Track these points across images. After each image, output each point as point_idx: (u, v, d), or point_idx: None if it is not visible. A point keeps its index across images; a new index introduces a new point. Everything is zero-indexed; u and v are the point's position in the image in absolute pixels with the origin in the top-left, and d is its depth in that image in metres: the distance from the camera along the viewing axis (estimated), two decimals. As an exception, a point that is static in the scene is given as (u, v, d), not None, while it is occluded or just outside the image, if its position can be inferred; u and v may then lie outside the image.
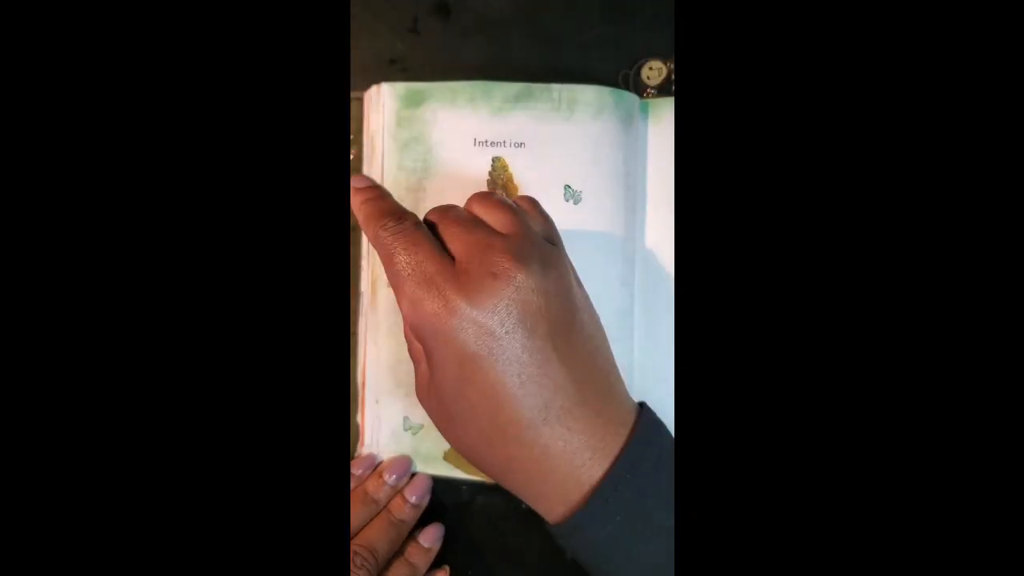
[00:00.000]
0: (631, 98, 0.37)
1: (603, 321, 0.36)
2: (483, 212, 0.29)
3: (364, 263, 0.37)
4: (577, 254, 0.36)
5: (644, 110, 0.37)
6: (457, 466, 0.37)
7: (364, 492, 0.35)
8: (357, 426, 0.37)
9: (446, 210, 0.29)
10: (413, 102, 0.36)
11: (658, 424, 0.29)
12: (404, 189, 0.36)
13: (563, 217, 0.36)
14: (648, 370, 0.37)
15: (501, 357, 0.25)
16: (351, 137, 0.38)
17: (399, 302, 0.27)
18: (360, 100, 0.37)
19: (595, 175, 0.36)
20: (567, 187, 0.36)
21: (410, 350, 0.29)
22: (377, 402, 0.37)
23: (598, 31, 0.38)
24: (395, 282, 0.27)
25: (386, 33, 0.38)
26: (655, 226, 0.37)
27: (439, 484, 0.37)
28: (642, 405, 0.30)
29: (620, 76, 0.38)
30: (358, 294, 0.37)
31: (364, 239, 0.37)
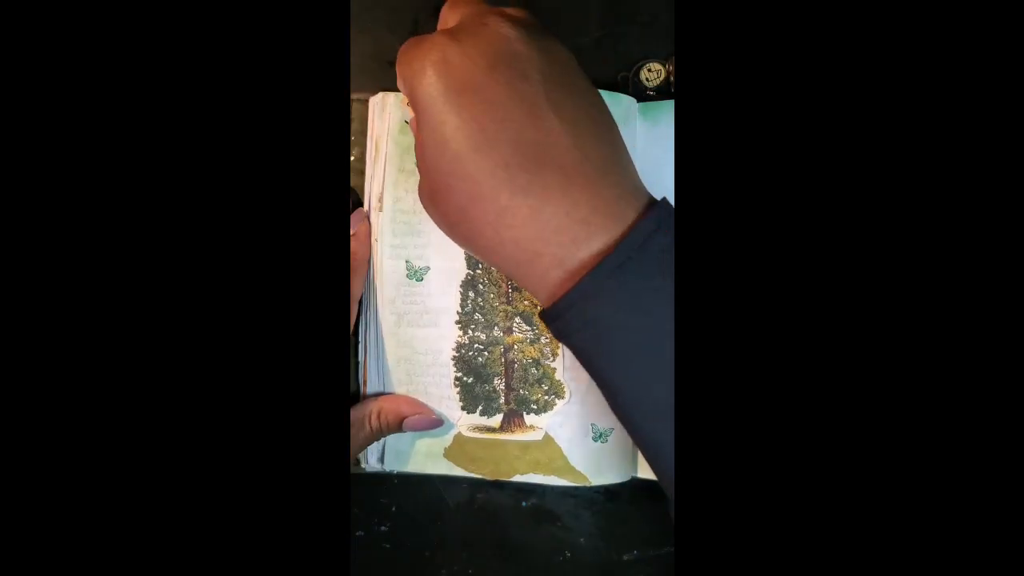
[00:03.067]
0: (628, 101, 0.37)
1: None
2: None
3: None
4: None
5: (642, 113, 0.37)
6: (458, 463, 0.37)
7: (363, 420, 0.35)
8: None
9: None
10: None
11: (672, 217, 0.26)
12: (404, 190, 0.37)
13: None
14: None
15: (487, 93, 0.25)
16: (352, 138, 0.38)
17: (400, 76, 0.27)
18: (362, 102, 0.38)
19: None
20: None
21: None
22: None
23: (597, 33, 0.38)
24: (398, 63, 0.27)
25: (386, 34, 0.38)
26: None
27: (439, 482, 0.38)
28: (663, 200, 0.27)
29: (619, 77, 0.38)
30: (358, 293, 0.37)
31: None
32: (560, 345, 0.36)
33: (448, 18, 0.29)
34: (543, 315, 0.27)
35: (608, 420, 0.37)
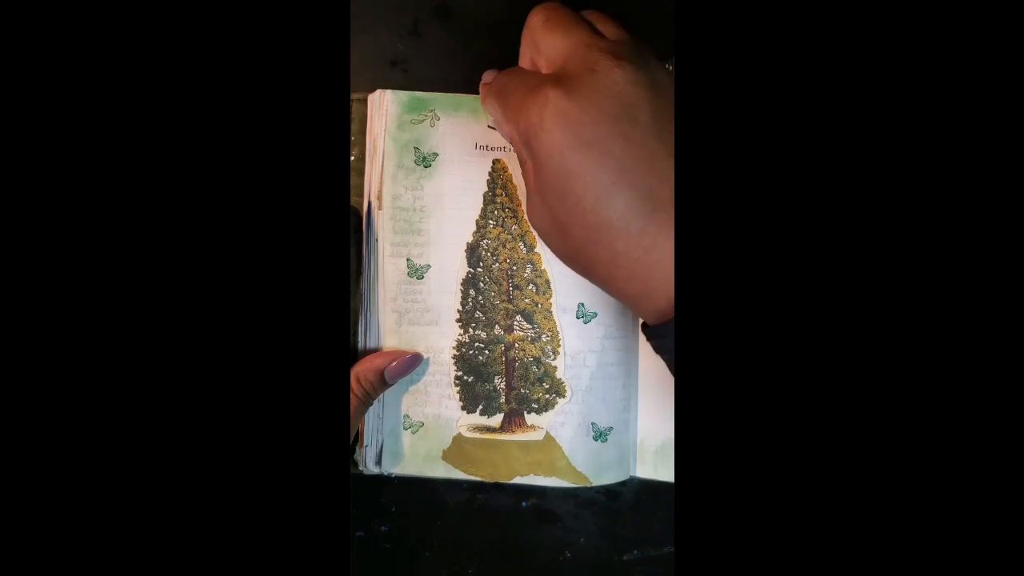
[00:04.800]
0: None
1: (603, 321, 0.36)
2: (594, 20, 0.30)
3: (365, 261, 0.37)
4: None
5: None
6: (456, 465, 0.37)
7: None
8: (357, 425, 0.37)
9: (548, 14, 0.29)
10: (415, 108, 0.37)
11: None
12: (403, 188, 0.37)
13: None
14: (649, 371, 0.37)
15: (603, 147, 0.26)
16: (352, 138, 0.38)
17: (510, 121, 0.28)
18: (361, 101, 0.38)
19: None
20: None
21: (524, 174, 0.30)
22: (377, 401, 0.37)
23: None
24: (503, 104, 0.29)
25: (386, 35, 0.38)
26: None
27: (439, 484, 0.38)
28: None
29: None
30: (359, 292, 0.37)
31: (364, 236, 0.37)
32: (561, 343, 0.36)
33: (542, 40, 0.29)
34: (646, 329, 0.28)
35: (608, 419, 0.37)
